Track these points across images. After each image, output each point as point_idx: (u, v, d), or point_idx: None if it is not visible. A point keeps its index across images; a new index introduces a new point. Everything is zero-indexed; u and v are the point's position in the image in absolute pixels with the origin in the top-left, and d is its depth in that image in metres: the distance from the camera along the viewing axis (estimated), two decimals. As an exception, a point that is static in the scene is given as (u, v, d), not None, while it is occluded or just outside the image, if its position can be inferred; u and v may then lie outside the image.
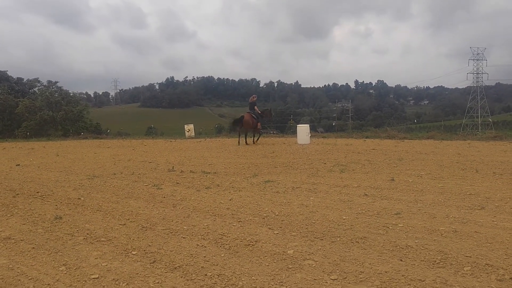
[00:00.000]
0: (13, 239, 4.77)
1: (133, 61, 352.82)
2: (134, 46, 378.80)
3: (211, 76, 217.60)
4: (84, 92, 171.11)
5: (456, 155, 11.17)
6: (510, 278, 3.22)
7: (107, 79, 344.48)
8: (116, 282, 3.46)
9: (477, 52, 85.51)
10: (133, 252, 4.15)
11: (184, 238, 4.56)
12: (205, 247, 4.23)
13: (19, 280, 3.61)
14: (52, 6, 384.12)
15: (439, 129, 31.83)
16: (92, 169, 10.79)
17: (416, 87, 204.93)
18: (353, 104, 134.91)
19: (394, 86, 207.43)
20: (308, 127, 17.91)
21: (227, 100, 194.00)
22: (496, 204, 5.55)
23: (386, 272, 3.42)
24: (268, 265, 3.68)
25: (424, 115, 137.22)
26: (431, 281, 3.21)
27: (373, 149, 13.64)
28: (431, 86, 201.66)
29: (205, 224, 5.08)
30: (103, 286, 3.41)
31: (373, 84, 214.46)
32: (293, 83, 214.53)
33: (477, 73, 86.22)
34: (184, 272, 3.60)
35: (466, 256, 3.68)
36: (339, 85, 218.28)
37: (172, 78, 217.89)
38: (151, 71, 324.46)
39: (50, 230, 5.10)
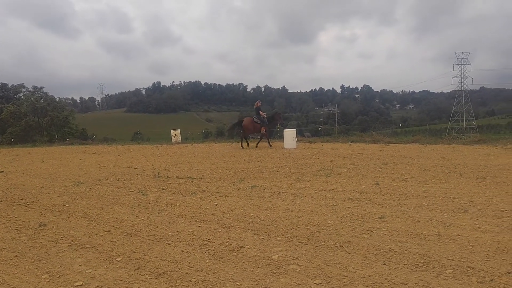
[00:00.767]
0: (-5, 247, 4.71)
1: (120, 66, 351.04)
2: (120, 51, 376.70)
3: (198, 81, 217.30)
4: (70, 97, 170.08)
5: (441, 159, 11.30)
6: (491, 280, 3.27)
7: (93, 84, 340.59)
8: (100, 290, 3.44)
9: (461, 56, 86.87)
10: (118, 259, 4.12)
11: (169, 244, 4.54)
12: (190, 253, 4.22)
13: (0, 288, 3.56)
14: (36, 10, 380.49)
15: (424, 133, 32.21)
16: (77, 175, 10.70)
17: (402, 91, 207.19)
18: (339, 108, 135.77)
19: (379, 91, 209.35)
20: (295, 131, 17.99)
21: (215, 104, 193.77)
22: (479, 207, 5.63)
23: (369, 276, 3.45)
24: (252, 271, 3.69)
25: (409, 119, 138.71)
26: (414, 284, 3.24)
27: (359, 153, 13.74)
28: (417, 91, 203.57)
29: (190, 230, 5.07)
30: (87, 294, 3.39)
31: (359, 88, 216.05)
32: (280, 88, 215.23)
33: (461, 78, 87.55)
34: (169, 279, 3.59)
35: (449, 259, 3.72)
36: (326, 89, 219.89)
37: (159, 83, 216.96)
38: (138, 76, 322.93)
39: (34, 237, 5.04)
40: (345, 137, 24.78)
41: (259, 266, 3.78)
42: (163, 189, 8.09)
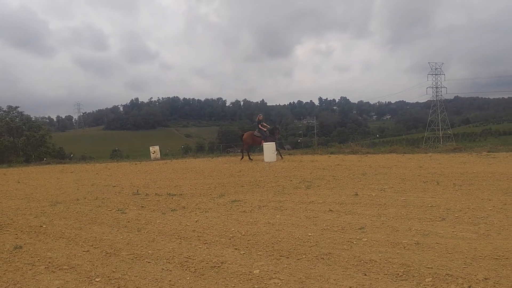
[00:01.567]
0: (-31, 272, 4.58)
1: (97, 83, 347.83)
2: (96, 68, 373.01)
3: (177, 96, 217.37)
4: (46, 116, 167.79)
5: (418, 168, 11.46)
6: (469, 287, 3.32)
7: (69, 103, 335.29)
8: (78, 312, 3.37)
9: (435, 67, 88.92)
10: (97, 279, 4.05)
11: (149, 262, 4.49)
12: (171, 271, 4.17)
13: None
14: (9, 29, 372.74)
15: (401, 143, 32.67)
16: (54, 195, 10.50)
17: (378, 102, 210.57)
18: (318, 120, 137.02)
19: (357, 102, 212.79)
20: (275, 144, 18.02)
21: (194, 120, 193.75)
22: (456, 215, 5.72)
23: (350, 287, 3.46)
24: (234, 286, 3.67)
25: (387, 130, 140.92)
26: (394, 294, 3.27)
27: (338, 164, 13.84)
28: (393, 101, 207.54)
29: (170, 247, 5.02)
30: (65, 317, 3.31)
31: (337, 100, 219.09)
32: (259, 102, 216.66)
33: (436, 87, 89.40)
34: (149, 298, 3.54)
35: (428, 268, 3.77)
36: (304, 102, 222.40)
37: (137, 99, 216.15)
38: (115, 93, 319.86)
39: (9, 260, 4.91)
40: (324, 148, 24.92)
41: (241, 282, 3.76)
42: (143, 206, 8.00)
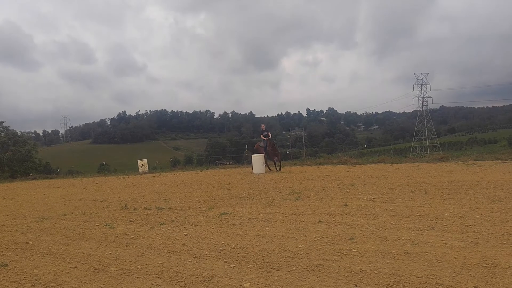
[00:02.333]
0: (-47, 292, 4.49)
1: (83, 97, 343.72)
2: (83, 82, 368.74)
3: (164, 109, 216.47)
4: (32, 131, 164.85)
5: (406, 178, 11.54)
6: (459, 296, 3.33)
7: (56, 117, 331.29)
8: (66, 330, 3.31)
9: (420, 77, 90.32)
10: (85, 297, 3.99)
11: (138, 278, 4.43)
12: (160, 286, 4.12)
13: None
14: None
15: (389, 153, 32.93)
16: (41, 211, 10.36)
17: (365, 113, 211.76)
18: (306, 131, 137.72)
19: (344, 113, 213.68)
20: (263, 156, 18.03)
21: (182, 132, 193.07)
22: (445, 224, 5.76)
23: (341, 298, 3.45)
24: (224, 300, 3.64)
25: (374, 140, 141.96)
26: (385, 305, 3.27)
27: (327, 175, 13.89)
28: (380, 112, 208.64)
29: (159, 262, 4.97)
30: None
31: (324, 111, 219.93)
32: (247, 113, 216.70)
33: (422, 98, 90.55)
34: (138, 314, 3.49)
35: (418, 277, 3.77)
36: (292, 113, 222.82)
37: (124, 113, 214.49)
38: (102, 107, 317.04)
39: (-6, 279, 4.83)
40: (313, 159, 25.05)
41: (231, 295, 3.73)
42: (131, 221, 7.92)
